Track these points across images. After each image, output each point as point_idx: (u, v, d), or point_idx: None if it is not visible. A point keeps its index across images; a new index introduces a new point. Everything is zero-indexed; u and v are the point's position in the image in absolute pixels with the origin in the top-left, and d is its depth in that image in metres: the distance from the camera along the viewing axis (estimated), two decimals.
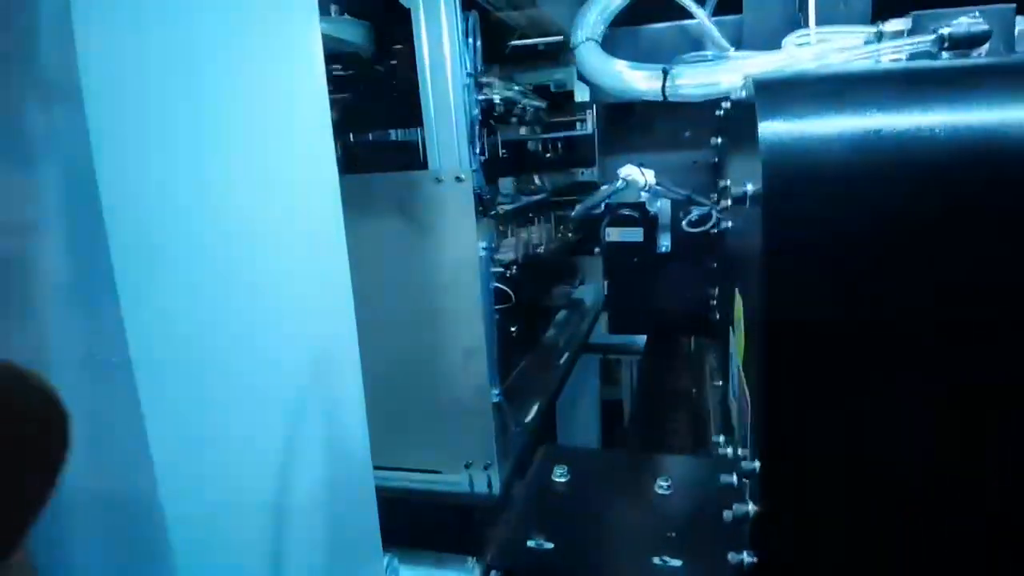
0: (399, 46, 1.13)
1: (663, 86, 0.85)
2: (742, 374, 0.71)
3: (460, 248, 1.08)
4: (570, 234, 2.18)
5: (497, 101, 1.15)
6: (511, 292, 1.25)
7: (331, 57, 1.43)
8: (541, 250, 1.73)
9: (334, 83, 1.36)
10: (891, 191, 0.52)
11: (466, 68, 1.03)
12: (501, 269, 1.20)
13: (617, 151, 1.15)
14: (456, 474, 1.16)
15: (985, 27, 0.54)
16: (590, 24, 0.95)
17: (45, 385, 0.30)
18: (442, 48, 1.02)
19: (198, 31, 0.67)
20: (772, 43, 0.78)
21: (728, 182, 0.76)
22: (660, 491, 1.05)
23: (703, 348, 1.72)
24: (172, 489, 0.57)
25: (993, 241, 0.52)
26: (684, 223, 0.90)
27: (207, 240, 0.73)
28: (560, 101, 2.32)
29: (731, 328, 0.81)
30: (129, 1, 0.64)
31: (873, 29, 0.75)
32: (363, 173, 1.11)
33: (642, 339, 2.11)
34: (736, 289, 0.71)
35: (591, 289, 2.32)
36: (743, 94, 0.63)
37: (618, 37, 0.97)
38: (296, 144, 0.71)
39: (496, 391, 1.14)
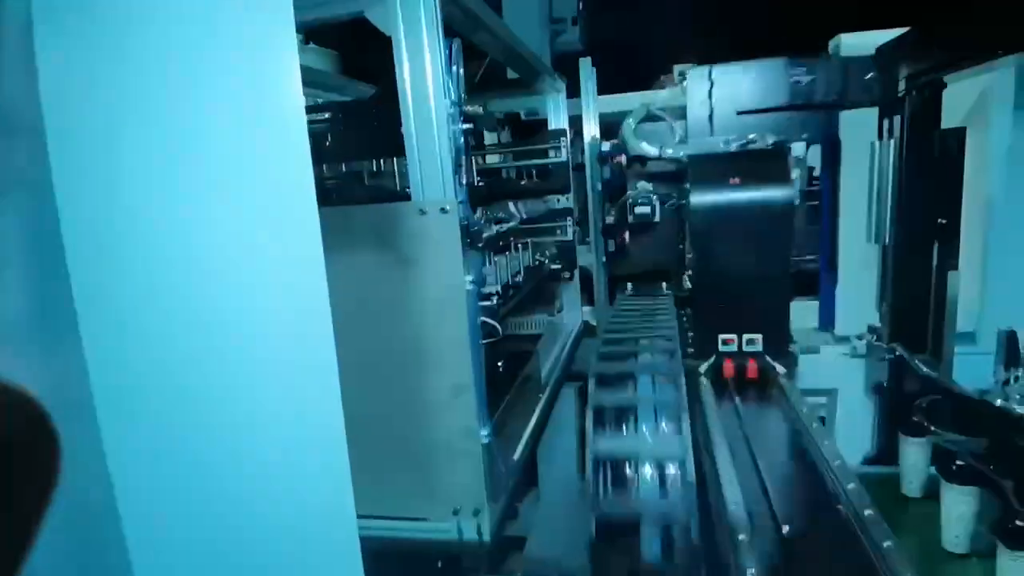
0: (377, 74, 1.09)
1: (660, 153, 1.84)
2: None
3: (446, 282, 1.03)
4: (546, 259, 2.16)
5: None
6: (497, 325, 1.20)
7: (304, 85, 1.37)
8: (520, 278, 1.69)
9: (309, 112, 1.31)
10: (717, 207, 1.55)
11: (450, 96, 1.00)
12: (487, 302, 1.15)
13: (636, 175, 2.00)
14: (444, 521, 1.09)
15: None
16: (632, 127, 1.88)
17: (35, 403, 0.26)
18: (425, 76, 0.98)
19: (171, 60, 0.62)
20: (715, 132, 1.77)
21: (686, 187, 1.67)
22: None
23: None
24: (139, 539, 0.52)
25: (750, 233, 1.51)
26: (667, 206, 1.86)
27: (177, 276, 0.67)
28: (534, 128, 2.31)
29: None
30: (95, 25, 0.59)
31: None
32: (343, 205, 1.05)
33: None
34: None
35: (570, 316, 2.29)
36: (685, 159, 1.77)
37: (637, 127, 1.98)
38: (272, 176, 0.66)
39: (485, 431, 1.08)
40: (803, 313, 2.54)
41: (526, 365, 1.66)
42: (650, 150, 1.74)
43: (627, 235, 1.84)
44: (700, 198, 1.45)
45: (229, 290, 0.68)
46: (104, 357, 0.55)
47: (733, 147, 1.60)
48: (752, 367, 1.40)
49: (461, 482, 1.08)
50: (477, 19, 1.24)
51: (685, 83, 1.66)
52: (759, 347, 1.44)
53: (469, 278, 1.04)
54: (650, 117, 1.78)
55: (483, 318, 1.13)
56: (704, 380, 1.41)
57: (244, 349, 0.69)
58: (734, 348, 1.44)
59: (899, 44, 1.70)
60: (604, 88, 2.46)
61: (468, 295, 1.04)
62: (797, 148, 1.65)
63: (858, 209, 1.99)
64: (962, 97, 1.92)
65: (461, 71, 1.04)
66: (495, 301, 1.33)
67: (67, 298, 0.48)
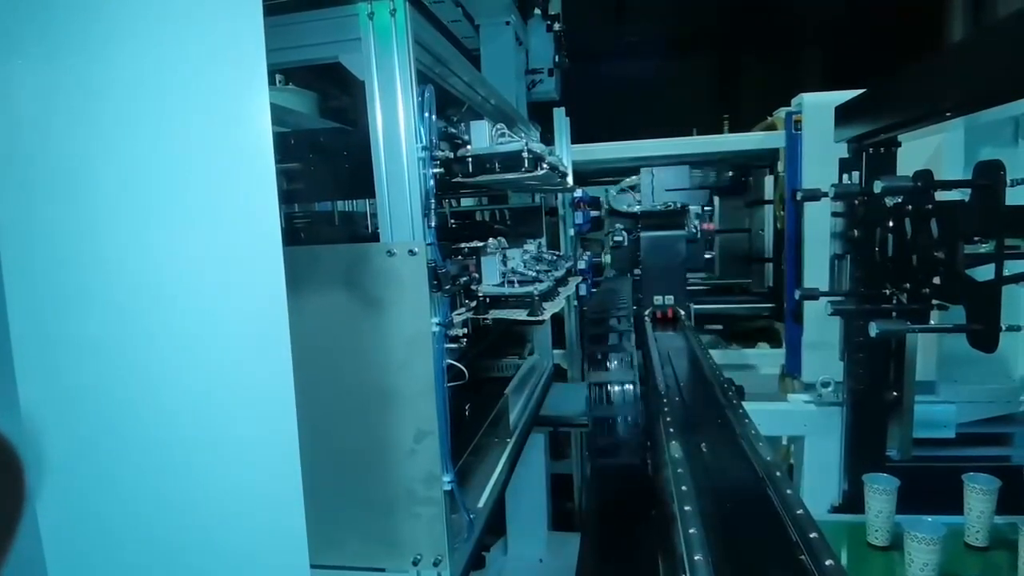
0: (350, 116, 1.10)
1: (627, 209, 2.79)
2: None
3: (412, 324, 1.02)
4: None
5: None
6: (464, 368, 1.19)
7: (277, 124, 1.39)
8: (490, 321, 1.68)
9: (280, 151, 1.31)
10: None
11: (421, 141, 1.01)
12: (454, 344, 1.15)
13: (613, 218, 2.85)
14: (403, 572, 1.06)
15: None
16: (612, 194, 2.91)
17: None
18: (397, 121, 1.00)
19: (139, 96, 0.63)
20: (654, 200, 2.85)
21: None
22: None
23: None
24: None
25: (665, 249, 2.54)
26: (631, 236, 2.65)
27: (132, 329, 0.66)
28: None
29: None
30: (59, 66, 0.59)
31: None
32: (310, 245, 1.05)
33: None
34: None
35: (541, 359, 2.28)
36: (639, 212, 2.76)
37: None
38: (236, 215, 0.66)
39: (448, 477, 1.06)
40: (773, 360, 2.59)
41: (494, 409, 1.65)
42: (621, 208, 2.81)
43: (608, 256, 2.75)
44: (645, 233, 2.55)
45: (187, 335, 0.67)
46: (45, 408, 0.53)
47: (661, 207, 2.71)
48: (670, 313, 2.44)
49: (422, 530, 1.05)
50: (450, 68, 1.27)
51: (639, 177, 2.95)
52: (672, 302, 2.46)
53: (436, 320, 1.04)
54: (622, 190, 2.93)
55: (449, 361, 1.12)
56: (646, 319, 2.36)
57: (199, 397, 0.67)
58: (660, 303, 2.47)
59: (856, 104, 1.79)
60: (578, 136, 2.53)
61: (434, 337, 1.03)
62: (695, 208, 2.65)
63: (821, 259, 2.06)
64: (917, 156, 2.02)
65: (434, 117, 1.06)
66: (463, 342, 1.32)
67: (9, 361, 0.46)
